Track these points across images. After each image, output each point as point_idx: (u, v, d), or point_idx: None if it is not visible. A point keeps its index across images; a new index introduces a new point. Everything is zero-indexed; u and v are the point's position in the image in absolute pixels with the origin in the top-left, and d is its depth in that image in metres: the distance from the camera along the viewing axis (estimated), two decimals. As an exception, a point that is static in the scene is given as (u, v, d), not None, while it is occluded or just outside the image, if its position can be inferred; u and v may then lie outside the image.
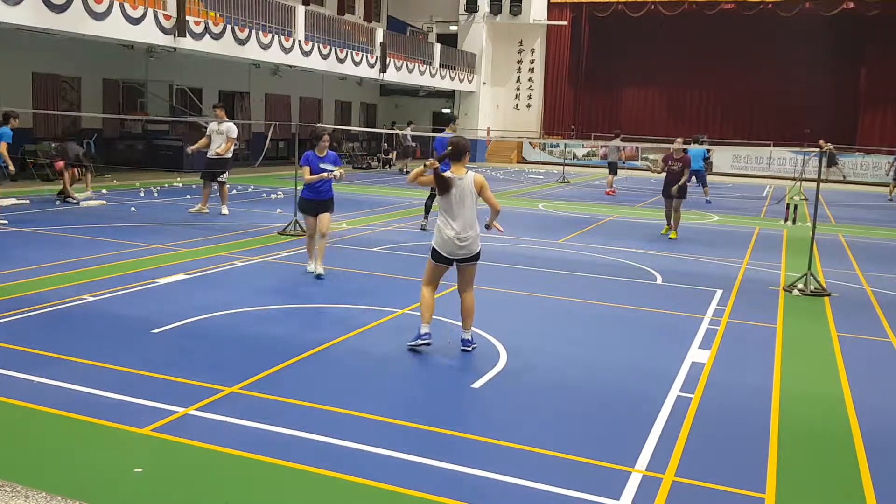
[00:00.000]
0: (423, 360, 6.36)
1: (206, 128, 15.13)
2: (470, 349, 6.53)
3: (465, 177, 6.34)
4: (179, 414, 4.94)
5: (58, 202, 14.74)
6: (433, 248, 6.47)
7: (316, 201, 9.25)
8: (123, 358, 5.93)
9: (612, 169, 23.15)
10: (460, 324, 6.63)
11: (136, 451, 4.41)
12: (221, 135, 14.08)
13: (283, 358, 6.14)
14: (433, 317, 6.55)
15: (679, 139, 14.55)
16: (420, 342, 6.45)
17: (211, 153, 14.16)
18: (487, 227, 6.61)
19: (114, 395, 5.21)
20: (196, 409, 5.02)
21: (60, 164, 15.12)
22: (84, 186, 15.60)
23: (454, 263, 6.45)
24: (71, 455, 4.36)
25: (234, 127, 14.28)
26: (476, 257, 6.45)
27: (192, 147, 14.66)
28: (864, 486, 4.41)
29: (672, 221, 14.09)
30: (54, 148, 15.28)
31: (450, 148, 6.39)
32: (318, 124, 23.75)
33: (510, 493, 4.14)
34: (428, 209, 13.60)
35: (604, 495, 4.13)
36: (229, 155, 14.28)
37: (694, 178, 20.11)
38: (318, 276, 9.15)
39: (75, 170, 15.24)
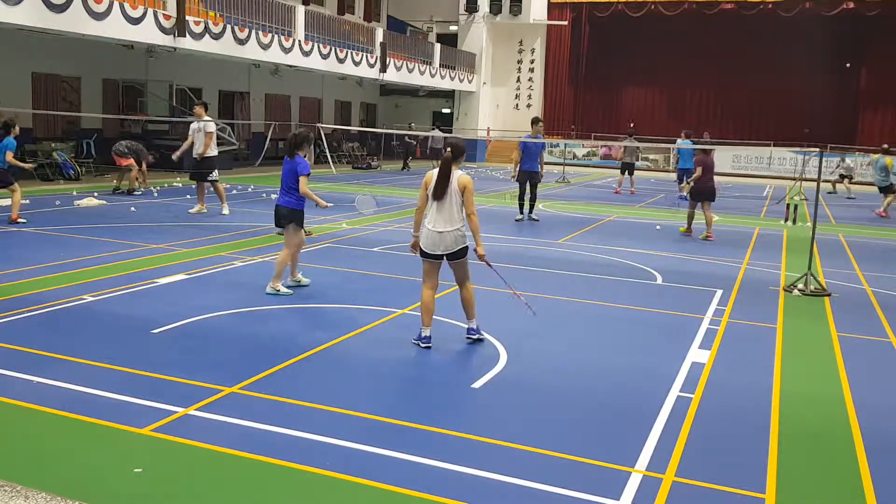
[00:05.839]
0: (423, 360, 6.37)
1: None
2: (473, 338, 6.71)
3: (453, 175, 6.51)
4: (179, 414, 4.94)
5: (138, 192, 16.84)
6: (420, 247, 6.63)
7: None
8: (123, 358, 5.93)
9: (628, 169, 22.78)
10: (470, 323, 6.74)
11: (136, 451, 4.41)
12: (201, 133, 13.97)
13: (283, 358, 6.14)
14: (433, 318, 6.67)
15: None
16: (421, 344, 6.58)
17: (195, 153, 14.09)
18: (480, 257, 6.64)
19: (114, 395, 5.21)
20: (196, 409, 5.02)
21: (130, 161, 16.76)
22: (130, 182, 17.00)
23: (445, 259, 6.58)
24: (71, 455, 4.36)
25: (210, 123, 14.11)
26: (459, 254, 6.56)
27: (176, 153, 14.49)
28: (864, 486, 4.41)
29: (705, 222, 13.80)
30: (126, 146, 17.00)
31: (449, 150, 6.54)
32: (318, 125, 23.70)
33: (510, 493, 4.14)
34: (522, 205, 15.45)
35: (604, 495, 4.13)
36: (213, 153, 14.13)
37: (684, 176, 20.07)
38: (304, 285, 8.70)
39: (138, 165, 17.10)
